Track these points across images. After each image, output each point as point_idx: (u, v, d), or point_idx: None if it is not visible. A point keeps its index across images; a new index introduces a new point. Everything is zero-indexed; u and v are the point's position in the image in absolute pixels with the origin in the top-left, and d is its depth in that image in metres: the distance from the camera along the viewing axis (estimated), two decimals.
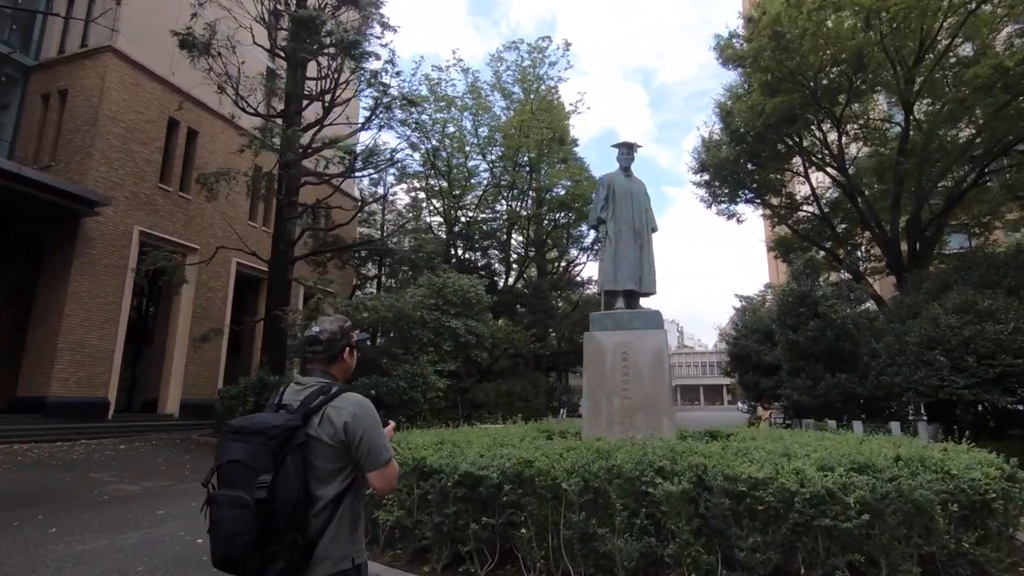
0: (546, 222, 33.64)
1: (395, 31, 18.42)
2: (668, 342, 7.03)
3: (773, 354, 17.05)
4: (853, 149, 21.71)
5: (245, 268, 22.17)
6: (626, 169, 7.43)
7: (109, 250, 17.53)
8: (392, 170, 26.98)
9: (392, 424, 2.20)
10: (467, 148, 27.97)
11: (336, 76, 16.99)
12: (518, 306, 26.56)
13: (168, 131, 19.97)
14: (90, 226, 17.10)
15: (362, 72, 17.78)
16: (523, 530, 3.81)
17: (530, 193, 32.22)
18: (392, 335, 15.46)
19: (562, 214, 35.72)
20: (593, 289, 42.71)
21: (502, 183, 29.17)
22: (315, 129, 17.34)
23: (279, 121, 17.22)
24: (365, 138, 25.88)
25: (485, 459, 4.15)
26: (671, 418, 6.21)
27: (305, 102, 18.12)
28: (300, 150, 16.49)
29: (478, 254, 30.05)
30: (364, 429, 1.84)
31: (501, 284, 29.12)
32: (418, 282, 17.24)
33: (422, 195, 28.42)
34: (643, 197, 7.29)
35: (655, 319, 6.64)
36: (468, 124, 26.90)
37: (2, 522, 6.23)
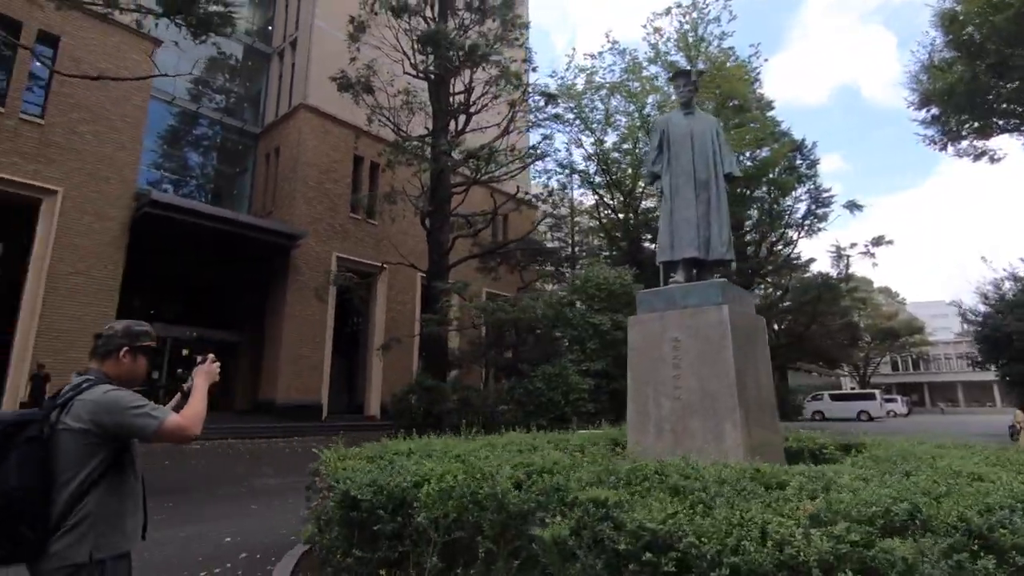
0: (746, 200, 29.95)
1: (527, 28, 18.17)
2: (755, 322, 5.23)
3: None
4: None
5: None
6: (686, 105, 5.80)
7: (314, 275, 20.57)
8: (558, 168, 26.91)
9: (210, 357, 2.28)
10: (638, 135, 26.34)
11: (470, 85, 17.39)
12: None
13: (354, 167, 22.81)
14: (298, 256, 20.34)
15: (502, 76, 17.99)
16: (382, 571, 2.96)
17: None
18: (530, 335, 15.01)
19: (764, 189, 31.50)
20: (817, 269, 36.63)
21: None
22: (459, 139, 17.98)
23: (428, 140, 18.27)
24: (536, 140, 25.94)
25: (384, 475, 3.37)
26: (736, 423, 4.51)
27: (455, 116, 18.99)
28: (446, 162, 17.21)
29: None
30: (105, 418, 1.87)
31: None
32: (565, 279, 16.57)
33: (588, 192, 27.60)
34: (709, 137, 5.59)
35: (715, 292, 4.95)
36: (631, 108, 25.26)
37: None
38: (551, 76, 33.60)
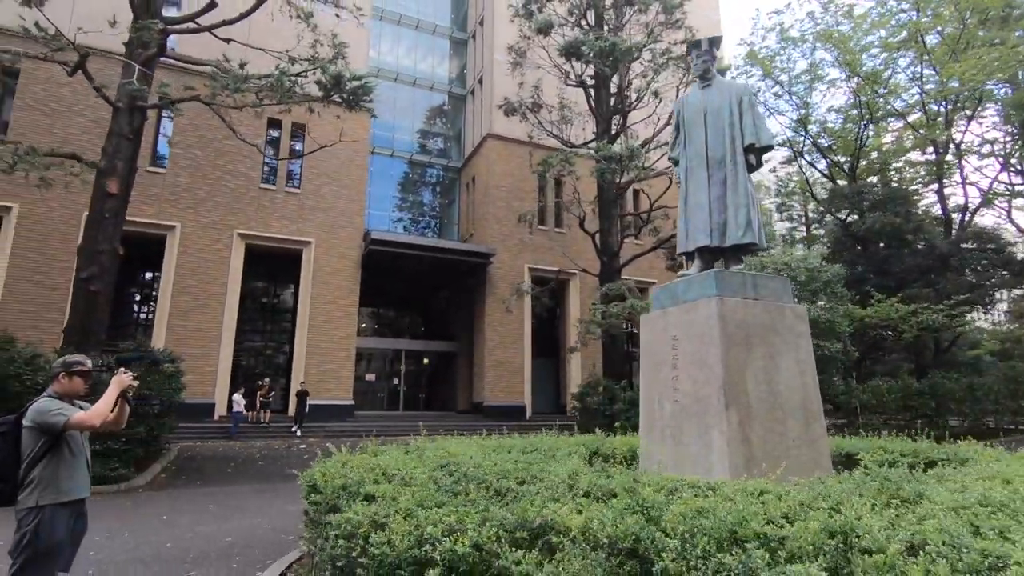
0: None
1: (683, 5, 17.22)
2: (777, 314, 4.50)
3: None
4: None
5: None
6: (702, 77, 5.24)
7: (508, 287, 22.46)
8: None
9: (121, 370, 3.24)
10: (855, 82, 22.29)
11: (627, 82, 17.19)
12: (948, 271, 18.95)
13: (538, 181, 24.19)
14: (493, 271, 22.47)
15: (663, 64, 17.41)
16: (306, 547, 3.65)
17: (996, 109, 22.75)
18: None
19: None
20: None
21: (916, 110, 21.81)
22: (623, 136, 17.88)
23: (592, 145, 18.55)
24: None
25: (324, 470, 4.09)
26: (723, 431, 4.02)
27: (615, 115, 18.93)
28: (607, 165, 17.28)
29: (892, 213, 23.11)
30: (36, 419, 2.99)
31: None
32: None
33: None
34: (727, 109, 4.98)
35: (709, 284, 4.43)
36: (831, 56, 21.49)
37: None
38: (740, 43, 30.52)
